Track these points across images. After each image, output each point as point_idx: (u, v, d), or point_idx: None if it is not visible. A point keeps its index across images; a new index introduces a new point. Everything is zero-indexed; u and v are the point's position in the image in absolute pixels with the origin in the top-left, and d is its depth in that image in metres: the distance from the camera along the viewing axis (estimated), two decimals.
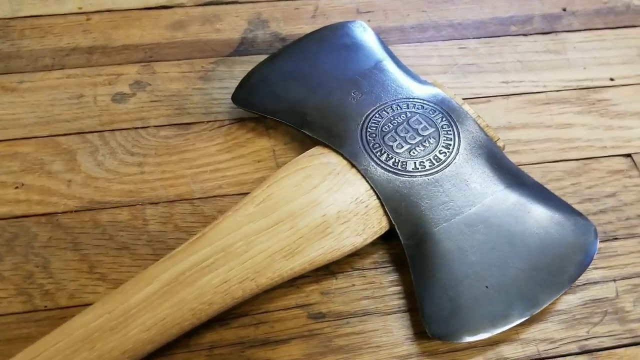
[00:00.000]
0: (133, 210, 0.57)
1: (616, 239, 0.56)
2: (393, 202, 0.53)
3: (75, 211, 0.56)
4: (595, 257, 0.54)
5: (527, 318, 0.50)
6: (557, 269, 0.52)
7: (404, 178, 0.54)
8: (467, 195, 0.54)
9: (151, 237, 0.55)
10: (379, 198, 0.53)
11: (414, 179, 0.54)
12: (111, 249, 0.54)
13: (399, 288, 0.53)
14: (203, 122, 0.63)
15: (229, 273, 0.49)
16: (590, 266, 0.53)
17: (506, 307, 0.50)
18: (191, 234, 0.55)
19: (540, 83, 0.67)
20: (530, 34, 0.71)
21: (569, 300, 0.53)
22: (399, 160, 0.55)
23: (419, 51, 0.69)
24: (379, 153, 0.55)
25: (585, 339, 0.51)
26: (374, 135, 0.56)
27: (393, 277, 0.54)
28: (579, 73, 0.67)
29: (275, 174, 0.54)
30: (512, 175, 0.56)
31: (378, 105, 0.58)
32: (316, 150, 0.56)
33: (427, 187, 0.54)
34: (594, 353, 0.50)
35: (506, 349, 0.50)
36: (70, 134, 0.61)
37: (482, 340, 0.50)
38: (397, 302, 0.53)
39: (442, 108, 0.58)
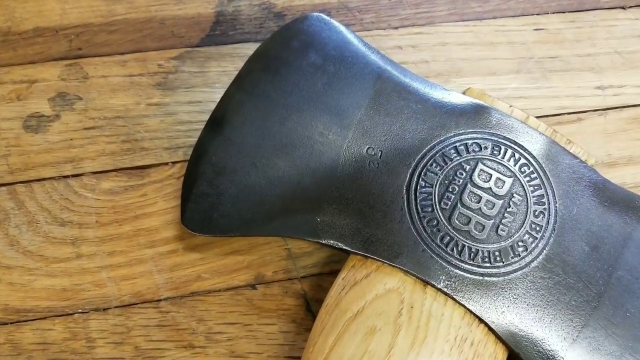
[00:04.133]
0: (70, 323, 0.37)
1: None
2: (504, 321, 0.35)
3: None
4: None
5: None
6: None
7: (506, 277, 0.36)
8: (596, 265, 0.37)
9: None
10: (483, 322, 0.35)
11: (519, 272, 0.36)
12: None
13: None
14: (166, 163, 0.42)
15: None
16: None
17: None
18: None
19: None
20: (632, 6, 0.50)
21: None
22: (490, 252, 0.36)
23: (479, 35, 0.48)
24: (455, 250, 0.36)
25: None
26: (434, 221, 0.37)
27: None
28: None
29: (315, 341, 0.34)
30: (629, 208, 0.39)
31: (414, 163, 0.38)
32: (357, 271, 0.36)
33: (542, 277, 0.36)
34: None
35: None
36: None
37: None
38: None
39: (505, 137, 0.39)
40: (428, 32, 0.48)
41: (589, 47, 0.48)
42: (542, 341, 0.36)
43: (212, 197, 0.39)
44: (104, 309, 0.38)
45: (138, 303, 0.38)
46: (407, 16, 0.48)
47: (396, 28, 0.47)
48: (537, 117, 0.45)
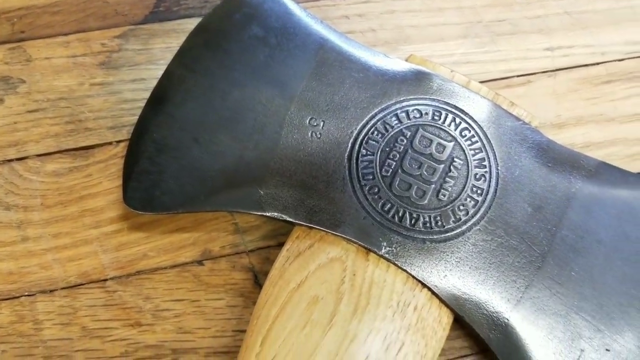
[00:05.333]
0: (17, 306, 0.37)
1: None
2: (448, 285, 0.35)
3: None
4: None
5: None
6: None
7: (448, 241, 0.36)
8: (539, 226, 0.37)
9: (49, 351, 0.37)
10: (426, 287, 0.35)
11: (461, 236, 0.36)
12: None
13: None
14: (110, 143, 0.42)
15: None
16: None
17: None
18: (107, 340, 0.37)
19: (598, 49, 0.47)
20: None
21: None
22: (431, 217, 0.36)
23: (426, 1, 0.47)
24: (396, 216, 0.36)
25: None
26: (376, 188, 0.37)
27: None
28: None
29: (260, 312, 0.34)
30: (572, 167, 0.39)
31: (356, 132, 0.38)
32: (301, 242, 0.36)
33: (484, 241, 0.36)
34: None
35: None
36: None
37: None
38: None
39: (447, 103, 0.39)
40: (375, 1, 0.47)
41: (538, 9, 0.48)
42: (486, 303, 0.36)
43: (154, 175, 0.38)
44: (51, 291, 0.38)
45: (84, 283, 0.38)
46: None
47: None
48: (485, 82, 0.45)
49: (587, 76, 0.46)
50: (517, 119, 0.40)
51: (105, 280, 0.38)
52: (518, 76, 0.45)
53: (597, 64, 0.46)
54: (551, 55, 0.46)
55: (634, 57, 0.47)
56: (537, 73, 0.46)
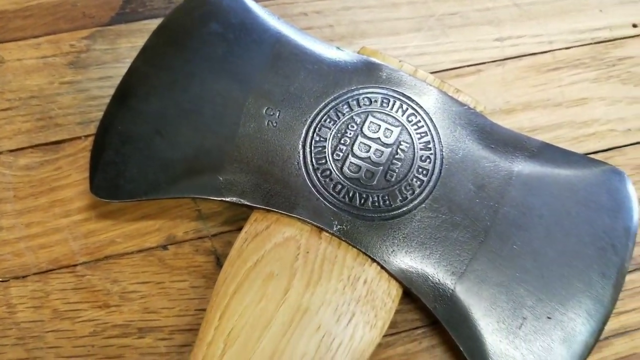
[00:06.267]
0: None
1: None
2: (395, 260, 0.38)
3: None
4: (621, 296, 0.41)
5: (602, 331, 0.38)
6: (611, 251, 0.39)
7: (395, 219, 0.38)
8: (481, 203, 0.39)
9: (22, 332, 0.39)
10: (375, 261, 0.38)
11: (407, 214, 0.39)
12: None
13: None
14: (79, 137, 0.44)
15: None
16: (614, 310, 0.41)
17: (580, 327, 0.37)
18: (77, 321, 0.39)
19: (545, 38, 0.49)
20: None
21: None
22: (379, 196, 0.39)
23: None
24: (346, 197, 0.39)
25: None
26: (328, 171, 0.39)
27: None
28: (594, 19, 0.50)
29: (219, 289, 0.37)
30: (515, 149, 0.41)
31: (310, 119, 0.40)
32: (259, 223, 0.38)
33: (429, 218, 0.38)
34: None
35: None
36: None
37: None
38: None
39: (395, 91, 0.42)
40: None
41: (488, 2, 0.50)
42: (432, 276, 0.38)
43: (119, 165, 0.41)
44: (23, 277, 0.40)
45: (55, 269, 0.40)
46: None
47: None
48: (437, 72, 0.47)
49: (535, 64, 0.48)
50: (462, 104, 0.42)
51: (75, 265, 0.41)
52: (468, 66, 0.48)
53: (545, 52, 0.49)
54: (500, 45, 0.49)
55: (580, 45, 0.49)
56: (487, 62, 0.48)
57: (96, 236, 0.41)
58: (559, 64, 0.48)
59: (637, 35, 0.50)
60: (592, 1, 0.51)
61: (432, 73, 0.44)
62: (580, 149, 0.45)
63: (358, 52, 0.44)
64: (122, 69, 0.45)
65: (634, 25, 0.50)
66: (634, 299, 0.42)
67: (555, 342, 0.37)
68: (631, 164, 0.46)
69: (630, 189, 0.41)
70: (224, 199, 0.39)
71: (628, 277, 0.42)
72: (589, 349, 0.38)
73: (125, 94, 0.43)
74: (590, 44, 0.49)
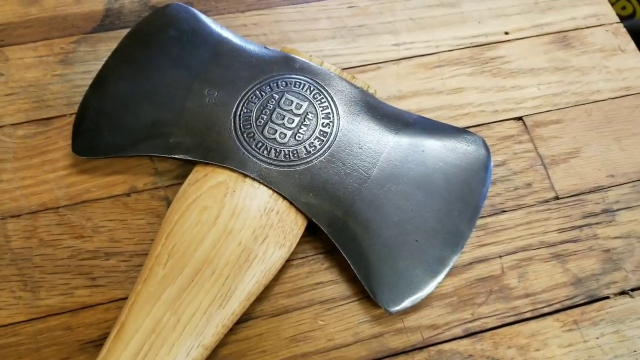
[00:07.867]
0: None
1: (504, 211, 0.55)
2: (301, 197, 0.50)
3: None
4: (481, 233, 0.53)
5: (459, 254, 0.50)
6: (468, 194, 0.52)
7: (301, 167, 0.51)
8: (365, 159, 0.52)
9: (15, 255, 0.51)
10: (285, 199, 0.50)
11: (310, 164, 0.51)
12: None
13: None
14: (65, 115, 0.56)
15: (171, 352, 0.44)
16: (476, 243, 0.53)
17: (439, 251, 0.50)
18: (58, 248, 0.51)
19: (433, 43, 0.63)
20: None
21: (455, 283, 0.52)
22: (289, 151, 0.51)
23: (306, 14, 0.63)
24: (265, 151, 0.51)
25: (470, 321, 0.51)
26: (252, 133, 0.52)
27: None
28: (473, 28, 0.64)
29: (166, 219, 0.48)
30: (395, 120, 0.54)
31: (240, 97, 0.53)
32: (199, 173, 0.51)
33: (326, 167, 0.51)
34: (477, 335, 0.50)
35: (392, 340, 0.50)
36: None
37: (367, 333, 0.49)
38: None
39: (305, 76, 0.54)
40: (267, 14, 0.63)
41: (390, 17, 0.64)
42: (327, 209, 0.50)
43: (94, 132, 0.53)
44: (18, 215, 0.52)
45: (43, 210, 0.52)
46: (252, 3, 0.63)
47: (243, 12, 0.63)
48: (346, 68, 0.60)
49: (423, 63, 0.61)
50: (357, 87, 0.55)
51: (58, 207, 0.52)
52: (371, 64, 0.61)
53: (432, 54, 0.62)
54: (397, 49, 0.62)
55: (460, 48, 0.63)
56: (386, 62, 0.61)
57: (75, 186, 0.53)
58: (442, 63, 0.62)
59: (508, 40, 0.63)
60: (473, 15, 0.64)
61: (343, 69, 0.58)
62: (455, 124, 0.58)
63: (280, 50, 0.57)
64: (100, 65, 0.58)
65: (506, 33, 0.64)
66: (492, 236, 0.54)
67: (417, 261, 0.49)
68: (496, 135, 0.58)
69: (487, 149, 0.54)
70: (173, 156, 0.52)
71: (488, 219, 0.54)
72: (445, 267, 0.50)
73: (100, 80, 0.55)
74: (469, 47, 0.63)
